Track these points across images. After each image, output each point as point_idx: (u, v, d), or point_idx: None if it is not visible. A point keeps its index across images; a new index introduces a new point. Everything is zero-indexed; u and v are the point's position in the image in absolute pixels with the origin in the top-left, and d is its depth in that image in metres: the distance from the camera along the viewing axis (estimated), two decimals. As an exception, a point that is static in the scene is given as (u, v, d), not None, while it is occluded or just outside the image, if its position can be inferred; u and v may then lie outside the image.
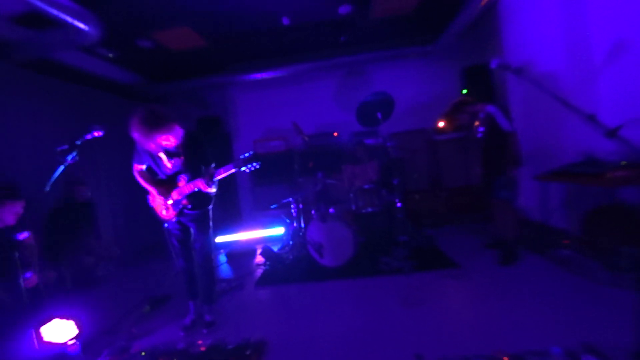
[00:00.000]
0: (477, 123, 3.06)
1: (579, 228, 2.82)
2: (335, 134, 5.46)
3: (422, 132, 5.19)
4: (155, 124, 1.99)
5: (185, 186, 2.19)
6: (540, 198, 3.17)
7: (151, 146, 2.07)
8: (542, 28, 3.17)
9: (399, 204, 3.68)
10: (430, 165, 5.13)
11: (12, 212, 2.46)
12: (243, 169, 2.09)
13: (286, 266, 3.42)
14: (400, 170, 3.98)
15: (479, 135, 3.01)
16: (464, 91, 4.31)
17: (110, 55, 4.31)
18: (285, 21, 4.00)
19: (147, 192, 2.37)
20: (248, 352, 1.87)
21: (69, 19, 2.83)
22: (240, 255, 4.22)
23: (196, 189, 2.16)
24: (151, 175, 2.34)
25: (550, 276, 2.52)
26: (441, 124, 4.86)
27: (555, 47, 3.01)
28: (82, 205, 3.76)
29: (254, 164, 2.08)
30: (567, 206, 3.09)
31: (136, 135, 2.01)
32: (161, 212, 2.34)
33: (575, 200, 3.01)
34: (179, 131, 2.13)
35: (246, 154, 2.11)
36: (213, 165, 2.17)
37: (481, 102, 2.99)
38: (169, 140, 2.07)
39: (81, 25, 2.96)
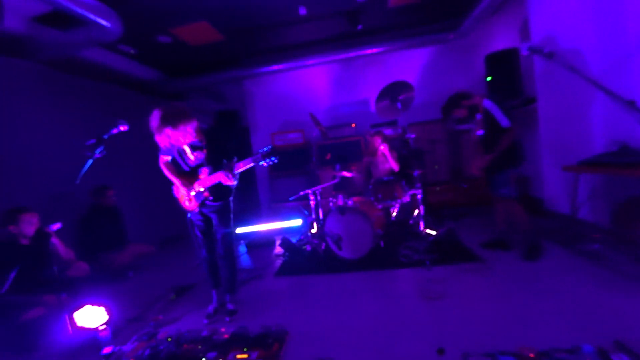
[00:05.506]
0: (476, 123, 2.87)
1: (609, 221, 2.69)
2: (353, 125, 5.41)
3: (443, 122, 5.05)
4: (175, 119, 2.08)
5: (206, 178, 2.25)
6: (568, 190, 3.03)
7: (170, 140, 2.14)
8: (573, 7, 2.98)
9: (419, 196, 3.62)
10: (451, 156, 5.00)
11: (30, 224, 2.67)
12: (261, 163, 2.18)
13: (305, 257, 3.45)
14: (420, 162, 3.90)
15: (479, 135, 2.87)
16: (488, 78, 4.15)
17: (132, 51, 4.42)
18: (302, 11, 3.96)
19: (171, 184, 2.44)
20: (270, 341, 1.91)
21: (91, 16, 2.90)
22: (260, 245, 4.30)
23: (217, 182, 2.23)
24: (176, 167, 2.40)
25: (578, 271, 2.42)
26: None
27: (587, 27, 2.82)
28: (110, 209, 3.91)
29: (273, 158, 2.16)
30: (597, 198, 2.94)
31: (155, 128, 2.10)
32: (184, 203, 2.41)
33: (606, 191, 2.86)
34: (197, 126, 2.21)
35: (265, 149, 2.20)
36: (235, 159, 2.22)
37: (478, 96, 2.82)
38: (187, 135, 2.14)
39: (103, 22, 3.04)
